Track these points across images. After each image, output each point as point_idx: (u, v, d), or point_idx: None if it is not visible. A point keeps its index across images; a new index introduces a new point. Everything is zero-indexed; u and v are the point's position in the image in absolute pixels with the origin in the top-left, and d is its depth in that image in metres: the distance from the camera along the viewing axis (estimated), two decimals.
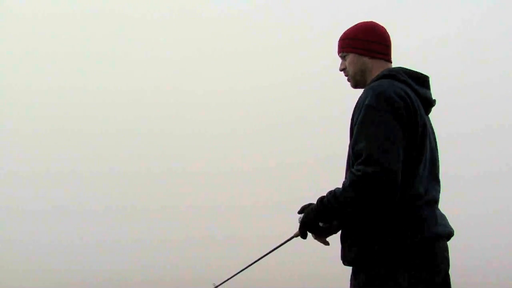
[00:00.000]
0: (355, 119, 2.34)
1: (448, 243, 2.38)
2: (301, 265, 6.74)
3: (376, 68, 2.50)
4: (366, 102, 2.27)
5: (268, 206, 6.96)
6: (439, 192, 2.44)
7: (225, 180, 7.19)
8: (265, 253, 2.59)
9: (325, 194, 2.35)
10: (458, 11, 7.16)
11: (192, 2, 7.39)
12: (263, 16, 7.32)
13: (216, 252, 7.00)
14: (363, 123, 2.25)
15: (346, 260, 2.38)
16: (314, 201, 2.39)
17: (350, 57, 2.52)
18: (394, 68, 2.48)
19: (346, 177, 2.38)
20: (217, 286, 2.70)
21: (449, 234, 2.39)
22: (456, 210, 6.35)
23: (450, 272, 2.39)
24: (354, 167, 2.23)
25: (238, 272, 2.66)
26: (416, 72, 2.47)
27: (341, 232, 2.43)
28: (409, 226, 2.25)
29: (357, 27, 2.56)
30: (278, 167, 7.14)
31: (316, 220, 2.36)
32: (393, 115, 2.24)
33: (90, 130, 7.20)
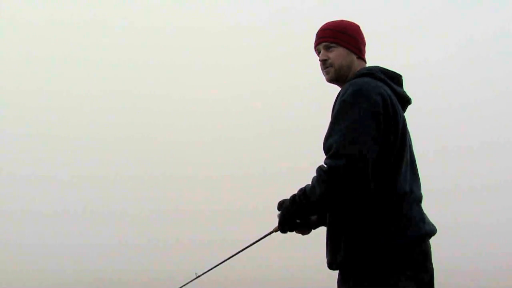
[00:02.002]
0: (332, 112, 2.33)
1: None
2: (296, 267, 6.76)
3: (359, 67, 2.49)
4: (343, 97, 2.27)
5: (263, 210, 6.99)
6: (420, 189, 2.42)
7: (223, 184, 7.22)
8: (245, 246, 2.55)
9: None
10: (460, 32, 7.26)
11: (189, 13, 7.44)
12: (262, 28, 7.38)
13: (214, 254, 7.01)
14: (336, 117, 2.25)
15: (335, 263, 2.33)
16: None
17: (340, 50, 2.47)
18: (371, 66, 2.48)
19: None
20: (199, 276, 2.67)
21: (434, 232, 2.38)
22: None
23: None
24: (323, 161, 2.21)
25: (219, 264, 2.61)
26: (391, 71, 2.48)
27: (329, 236, 2.37)
28: (400, 226, 2.24)
29: (345, 24, 2.52)
30: (272, 172, 7.17)
31: (292, 217, 2.35)
32: (369, 111, 2.21)
33: (92, 135, 7.23)
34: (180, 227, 7.20)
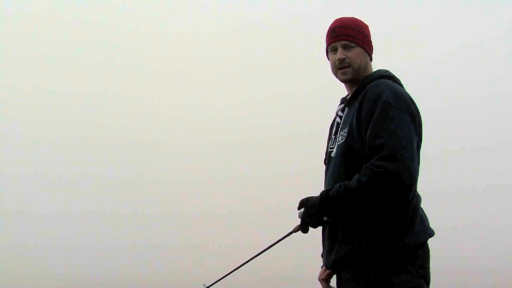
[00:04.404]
0: (365, 111, 2.25)
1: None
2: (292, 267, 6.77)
3: (369, 69, 2.44)
4: (384, 98, 2.21)
5: (263, 214, 7.01)
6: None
7: (222, 189, 7.24)
8: (261, 250, 2.43)
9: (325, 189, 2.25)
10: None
11: (182, 17, 7.46)
12: (265, 34, 7.41)
13: (212, 256, 7.04)
14: (382, 118, 2.19)
15: (346, 259, 2.27)
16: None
17: (358, 50, 2.39)
18: (386, 70, 2.45)
19: (335, 167, 2.33)
20: (208, 287, 2.55)
21: (434, 233, 2.38)
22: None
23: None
24: (371, 161, 2.15)
25: (229, 273, 2.50)
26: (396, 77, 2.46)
27: (339, 234, 2.30)
28: (417, 225, 2.25)
29: (361, 23, 2.46)
30: (274, 176, 7.19)
31: (320, 213, 2.24)
32: (410, 116, 2.22)
33: (95, 136, 7.24)
34: (179, 231, 7.19)
